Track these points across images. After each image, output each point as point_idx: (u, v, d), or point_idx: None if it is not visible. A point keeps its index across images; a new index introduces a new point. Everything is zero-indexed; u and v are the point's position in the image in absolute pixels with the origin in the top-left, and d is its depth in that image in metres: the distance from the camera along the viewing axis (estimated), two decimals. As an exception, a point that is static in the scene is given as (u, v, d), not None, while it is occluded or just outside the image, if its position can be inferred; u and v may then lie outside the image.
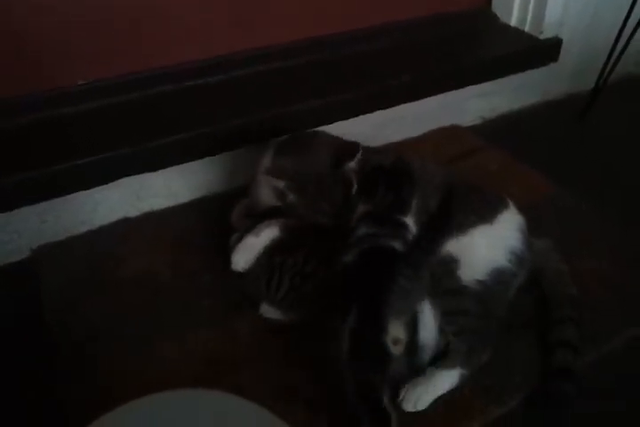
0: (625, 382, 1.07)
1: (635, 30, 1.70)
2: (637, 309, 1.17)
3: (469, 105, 1.81)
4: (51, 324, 1.16)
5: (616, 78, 1.82)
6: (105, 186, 1.32)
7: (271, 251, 1.13)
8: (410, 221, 1.10)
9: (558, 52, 1.76)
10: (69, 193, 1.30)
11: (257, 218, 1.17)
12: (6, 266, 1.36)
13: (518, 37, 1.78)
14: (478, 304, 1.03)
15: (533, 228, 1.15)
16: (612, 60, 1.74)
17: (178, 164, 1.39)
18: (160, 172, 1.38)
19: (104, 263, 1.31)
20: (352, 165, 1.12)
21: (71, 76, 1.37)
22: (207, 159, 1.43)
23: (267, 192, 1.16)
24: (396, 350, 0.93)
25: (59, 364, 1.09)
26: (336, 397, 0.96)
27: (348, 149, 1.13)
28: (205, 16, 1.44)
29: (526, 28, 1.79)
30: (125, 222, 1.44)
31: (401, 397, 0.99)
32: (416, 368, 0.99)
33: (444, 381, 1.01)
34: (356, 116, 1.52)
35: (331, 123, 1.46)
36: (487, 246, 1.08)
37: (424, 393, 1.00)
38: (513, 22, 1.81)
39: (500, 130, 1.82)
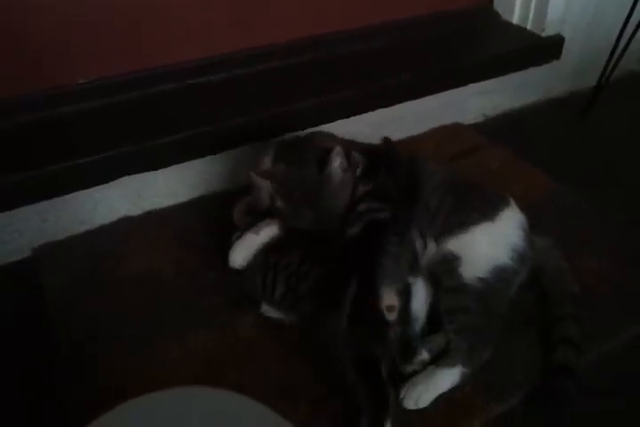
0: (625, 380, 1.07)
1: (637, 28, 1.69)
2: (637, 307, 1.17)
3: (471, 103, 1.81)
4: (51, 324, 1.16)
5: (618, 76, 1.82)
6: (105, 185, 1.32)
7: (269, 249, 1.13)
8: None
9: (560, 50, 1.76)
10: (70, 192, 1.30)
11: (258, 216, 1.17)
12: (7, 265, 1.35)
13: (520, 35, 1.78)
14: (479, 302, 1.03)
15: (534, 226, 1.15)
16: (614, 58, 1.74)
17: (179, 162, 1.39)
18: (161, 170, 1.38)
19: (105, 263, 1.31)
20: (338, 164, 1.10)
21: (71, 76, 1.38)
22: (208, 158, 1.43)
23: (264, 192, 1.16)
24: (391, 317, 0.98)
25: (59, 364, 1.09)
26: (336, 386, 0.99)
27: (325, 151, 1.11)
28: (205, 16, 1.44)
29: (528, 26, 1.79)
30: (126, 221, 1.44)
31: (402, 395, 0.99)
32: (408, 341, 1.02)
33: (446, 379, 1.01)
34: (357, 114, 1.52)
35: (331, 121, 1.46)
36: (489, 244, 1.07)
37: (425, 391, 0.99)
38: (515, 20, 1.81)
39: (501, 128, 1.81)
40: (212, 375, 1.05)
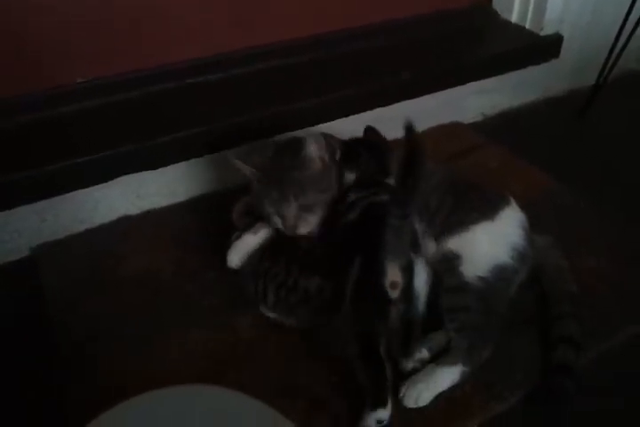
0: (623, 379, 1.07)
1: (636, 26, 1.69)
2: (636, 306, 1.17)
3: (470, 102, 1.81)
4: (51, 323, 1.16)
5: (617, 75, 1.82)
6: (104, 184, 1.33)
7: (264, 250, 1.13)
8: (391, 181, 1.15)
9: (559, 49, 1.76)
10: (69, 192, 1.30)
11: (257, 216, 1.17)
12: (6, 265, 1.36)
13: (519, 34, 1.78)
14: (480, 301, 1.03)
15: (532, 225, 1.15)
16: (612, 57, 1.74)
17: (178, 162, 1.40)
18: (160, 170, 1.38)
19: (104, 262, 1.31)
20: (313, 148, 1.11)
21: (71, 75, 1.38)
22: (207, 157, 1.43)
23: None
24: (394, 294, 0.97)
25: (59, 364, 1.09)
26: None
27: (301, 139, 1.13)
28: (205, 16, 1.44)
29: (527, 25, 1.79)
30: (125, 221, 1.44)
31: (402, 393, 1.00)
32: (409, 321, 1.02)
33: (445, 377, 1.01)
34: (356, 113, 1.52)
35: (330, 120, 1.46)
36: (489, 243, 1.08)
37: (425, 390, 1.00)
38: (513, 19, 1.82)
39: (500, 127, 1.81)
40: (212, 375, 1.05)
